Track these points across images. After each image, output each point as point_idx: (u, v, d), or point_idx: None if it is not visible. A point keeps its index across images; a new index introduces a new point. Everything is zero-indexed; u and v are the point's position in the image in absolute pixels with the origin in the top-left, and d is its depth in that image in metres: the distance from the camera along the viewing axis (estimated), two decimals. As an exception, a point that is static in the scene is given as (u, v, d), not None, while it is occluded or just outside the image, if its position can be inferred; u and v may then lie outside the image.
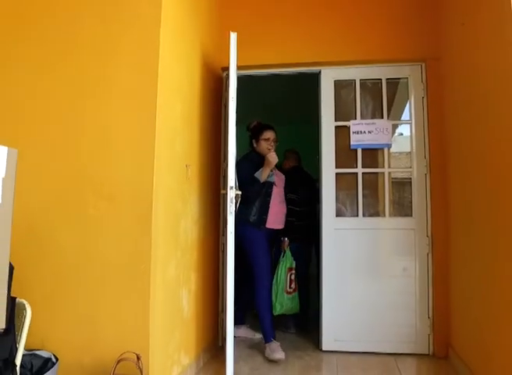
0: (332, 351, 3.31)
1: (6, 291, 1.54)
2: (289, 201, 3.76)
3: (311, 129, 4.11)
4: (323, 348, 3.35)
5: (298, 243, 3.92)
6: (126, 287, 2.24)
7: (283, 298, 3.55)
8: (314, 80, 3.67)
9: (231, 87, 2.87)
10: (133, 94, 2.33)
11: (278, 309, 3.51)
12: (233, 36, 2.88)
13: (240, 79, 2.99)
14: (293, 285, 3.65)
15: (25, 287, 2.11)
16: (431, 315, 3.27)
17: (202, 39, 3.16)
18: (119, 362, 2.07)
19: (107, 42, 2.38)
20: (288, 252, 3.70)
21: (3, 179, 1.41)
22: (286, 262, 3.64)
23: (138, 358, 2.09)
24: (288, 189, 3.76)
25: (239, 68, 2.96)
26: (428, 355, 3.25)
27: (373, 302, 3.36)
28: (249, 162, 3.37)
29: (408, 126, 3.58)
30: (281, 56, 3.54)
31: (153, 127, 2.29)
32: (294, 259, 3.74)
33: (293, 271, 3.68)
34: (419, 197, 3.39)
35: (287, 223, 3.67)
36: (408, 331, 3.30)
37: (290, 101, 5.72)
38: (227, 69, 3.45)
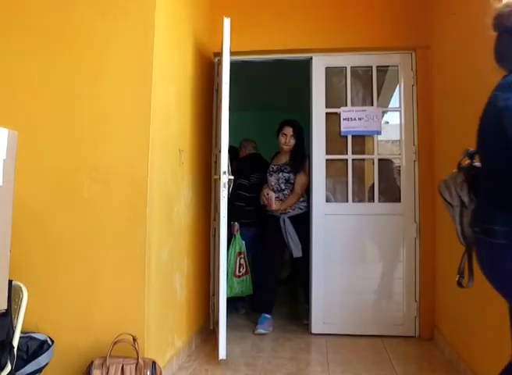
0: (321, 334, 3.38)
1: (7, 273, 1.55)
2: (239, 187, 3.86)
3: (300, 116, 4.14)
4: (312, 331, 3.42)
5: (253, 227, 4.00)
6: (122, 270, 2.26)
7: (232, 282, 3.64)
8: (303, 66, 3.68)
9: (224, 73, 2.87)
10: (129, 79, 2.32)
11: (228, 293, 3.56)
12: (227, 21, 2.88)
13: (230, 64, 2.98)
14: (242, 269, 3.75)
15: (20, 270, 2.12)
16: (418, 298, 3.36)
17: (195, 24, 3.15)
18: (115, 343, 2.10)
19: (103, 27, 2.36)
20: (238, 236, 3.80)
21: (4, 161, 1.41)
22: (236, 246, 3.73)
23: (134, 339, 2.11)
24: (239, 175, 3.85)
25: (230, 54, 2.95)
26: (415, 337, 3.34)
27: (361, 286, 3.43)
28: None
29: (394, 114, 3.64)
30: (273, 42, 3.54)
31: (148, 111, 2.30)
32: (251, 243, 3.90)
33: (243, 255, 3.78)
34: (407, 183, 3.45)
35: (238, 208, 3.85)
36: (395, 314, 3.39)
37: (279, 88, 5.73)
38: (219, 54, 3.45)
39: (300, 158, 3.66)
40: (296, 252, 3.53)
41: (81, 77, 2.35)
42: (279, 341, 3.24)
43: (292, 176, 3.63)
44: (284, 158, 3.73)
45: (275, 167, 3.74)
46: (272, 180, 3.70)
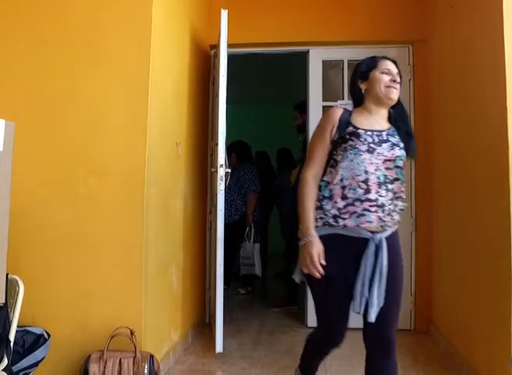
0: (317, 327, 3.38)
1: (5, 267, 1.53)
2: None
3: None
4: (308, 324, 3.42)
5: None
6: (119, 264, 2.24)
7: None
8: (300, 60, 3.66)
9: (221, 65, 2.85)
10: (126, 71, 2.30)
11: None
12: (224, 13, 2.85)
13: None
14: None
15: (16, 264, 2.10)
16: (413, 292, 3.37)
17: (191, 15, 3.12)
18: (112, 337, 2.09)
19: (99, 19, 2.33)
20: None
21: (0, 153, 1.39)
22: None
23: (132, 333, 2.10)
24: None
25: (227, 46, 2.93)
26: (410, 330, 3.36)
27: (357, 280, 3.43)
28: None
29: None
30: (269, 35, 3.51)
31: (145, 104, 2.28)
32: None
33: None
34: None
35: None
36: (391, 308, 3.39)
37: (275, 81, 5.71)
38: (215, 47, 3.42)
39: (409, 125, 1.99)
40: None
41: (77, 69, 2.32)
42: (275, 335, 3.24)
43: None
44: (383, 122, 1.88)
45: (374, 135, 1.80)
46: (377, 157, 1.77)
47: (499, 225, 2.09)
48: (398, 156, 1.80)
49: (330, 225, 1.76)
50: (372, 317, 1.74)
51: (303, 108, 3.81)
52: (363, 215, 1.73)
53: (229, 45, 2.96)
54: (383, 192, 1.75)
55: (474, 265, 2.43)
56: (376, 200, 1.73)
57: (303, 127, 3.85)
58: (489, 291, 2.24)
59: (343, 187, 1.75)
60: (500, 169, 2.08)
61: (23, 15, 2.38)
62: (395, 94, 1.86)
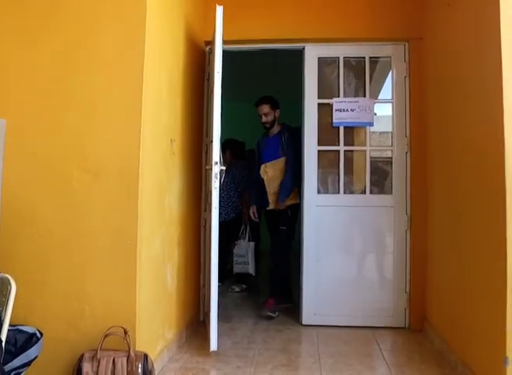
0: (312, 326, 3.38)
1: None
2: None
3: (290, 106, 4.14)
4: (303, 323, 3.42)
5: None
6: (112, 262, 2.22)
7: None
8: (295, 57, 3.64)
9: (216, 62, 2.82)
10: (120, 67, 2.27)
11: None
12: (219, 9, 2.82)
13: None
14: None
15: (8, 262, 2.07)
16: (408, 290, 3.37)
17: (186, 11, 3.08)
18: (106, 336, 2.07)
19: (92, 14, 2.29)
20: None
21: (-9, 150, 1.36)
22: None
23: (125, 332, 2.08)
24: None
25: (222, 42, 2.90)
26: (405, 328, 3.36)
27: (352, 278, 3.44)
28: None
29: (382, 106, 3.63)
30: (265, 32, 3.48)
31: (139, 100, 2.25)
32: None
33: None
34: (399, 175, 3.44)
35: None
36: (386, 306, 3.39)
37: (271, 78, 5.68)
38: (210, 43, 3.40)
39: None
40: None
41: (70, 65, 2.29)
42: (269, 333, 3.23)
43: None
44: None
45: None
46: None
47: (495, 223, 2.08)
48: None
49: None
50: None
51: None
52: None
53: (224, 42, 2.93)
54: None
55: (469, 263, 2.43)
56: None
57: (272, 124, 3.88)
58: (484, 289, 2.23)
59: None
60: (495, 167, 2.07)
61: (15, 12, 2.33)
62: None
